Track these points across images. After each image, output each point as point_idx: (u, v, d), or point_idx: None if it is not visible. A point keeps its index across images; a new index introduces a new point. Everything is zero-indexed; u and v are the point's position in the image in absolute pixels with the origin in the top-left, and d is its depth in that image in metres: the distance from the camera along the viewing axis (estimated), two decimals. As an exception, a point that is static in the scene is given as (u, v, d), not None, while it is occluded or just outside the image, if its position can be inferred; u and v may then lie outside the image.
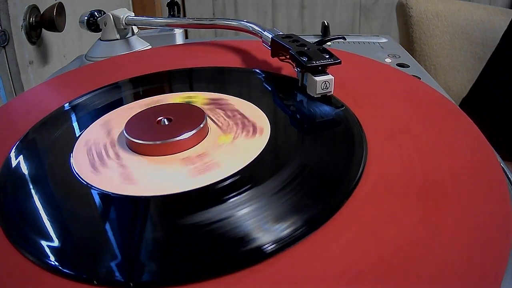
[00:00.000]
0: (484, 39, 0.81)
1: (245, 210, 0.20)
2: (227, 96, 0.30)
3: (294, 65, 0.30)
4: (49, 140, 0.27)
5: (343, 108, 0.27)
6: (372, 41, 0.54)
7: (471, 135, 0.24)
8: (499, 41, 0.61)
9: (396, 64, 0.44)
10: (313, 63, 0.28)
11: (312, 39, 0.43)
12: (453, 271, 0.16)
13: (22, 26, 0.58)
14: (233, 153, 0.24)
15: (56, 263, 0.18)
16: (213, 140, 0.25)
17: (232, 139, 0.25)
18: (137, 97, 0.32)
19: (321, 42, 0.40)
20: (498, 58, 0.61)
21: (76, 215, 0.21)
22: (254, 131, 0.26)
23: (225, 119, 0.27)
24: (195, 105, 0.28)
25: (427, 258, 0.17)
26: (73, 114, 0.31)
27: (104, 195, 0.22)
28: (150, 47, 0.48)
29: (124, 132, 0.25)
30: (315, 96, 0.28)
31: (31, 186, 0.23)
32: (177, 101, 0.30)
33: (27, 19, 0.59)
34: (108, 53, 0.45)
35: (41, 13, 0.61)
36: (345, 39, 0.48)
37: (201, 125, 0.25)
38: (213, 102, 0.29)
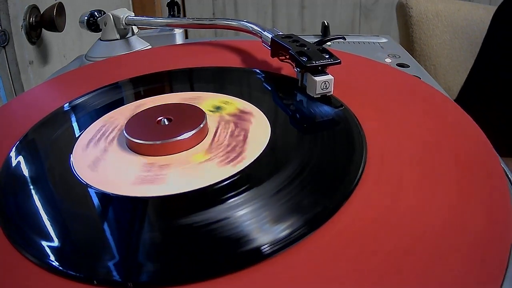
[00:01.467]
0: (484, 39, 0.80)
1: (244, 211, 0.20)
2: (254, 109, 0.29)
3: (294, 65, 0.30)
4: (49, 140, 0.27)
5: (342, 108, 0.27)
6: (372, 41, 0.54)
7: (472, 134, 0.24)
8: (484, 37, 0.61)
9: (396, 64, 0.44)
10: (313, 63, 0.28)
11: (312, 39, 0.43)
12: (452, 271, 0.16)
13: (22, 26, 0.58)
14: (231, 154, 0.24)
15: (56, 263, 0.18)
16: (209, 142, 0.25)
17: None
18: (137, 97, 0.32)
19: (321, 42, 0.40)
20: (484, 54, 0.61)
21: (76, 215, 0.21)
22: (253, 130, 0.26)
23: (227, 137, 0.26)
24: (195, 105, 0.28)
25: (426, 259, 0.17)
26: (73, 114, 0.31)
27: (103, 195, 0.22)
28: (150, 47, 0.48)
29: (124, 132, 0.25)
30: (315, 96, 0.28)
31: (31, 186, 0.23)
32: (210, 104, 0.29)
33: (27, 19, 0.59)
34: (108, 53, 0.45)
35: (41, 13, 0.61)
36: (345, 39, 0.48)
37: (201, 125, 0.25)
38: (238, 115, 0.28)
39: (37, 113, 0.31)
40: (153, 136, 0.24)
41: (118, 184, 0.22)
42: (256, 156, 0.23)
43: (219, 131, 0.26)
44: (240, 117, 0.27)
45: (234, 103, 0.29)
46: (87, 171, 0.23)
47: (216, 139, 0.25)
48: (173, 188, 0.21)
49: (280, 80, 0.33)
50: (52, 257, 0.18)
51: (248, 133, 0.25)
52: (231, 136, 0.25)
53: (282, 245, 0.18)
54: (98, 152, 0.25)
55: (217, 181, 0.22)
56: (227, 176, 0.22)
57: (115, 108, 0.30)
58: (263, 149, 0.24)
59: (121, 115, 0.29)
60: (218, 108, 0.28)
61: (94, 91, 0.33)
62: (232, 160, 0.23)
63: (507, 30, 0.55)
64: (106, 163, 0.24)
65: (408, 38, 0.83)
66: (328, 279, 0.16)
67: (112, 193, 0.22)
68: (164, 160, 0.24)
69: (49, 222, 0.20)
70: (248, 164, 0.23)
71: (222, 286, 0.16)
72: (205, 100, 0.30)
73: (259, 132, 0.25)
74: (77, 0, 0.72)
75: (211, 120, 0.27)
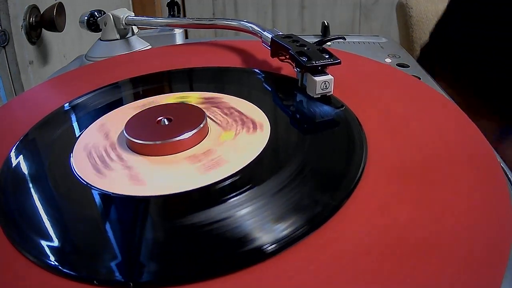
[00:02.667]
0: (484, 39, 0.80)
1: (245, 210, 0.20)
2: (222, 95, 0.30)
3: (294, 65, 0.30)
4: (49, 140, 0.27)
5: (343, 108, 0.27)
6: (372, 41, 0.54)
7: (472, 135, 0.24)
8: (442, 15, 0.62)
9: (396, 64, 0.44)
10: (313, 63, 0.28)
11: (312, 39, 0.43)
12: (453, 271, 0.16)
13: (22, 26, 0.58)
14: (234, 153, 0.24)
15: (56, 263, 0.18)
16: (214, 138, 0.25)
17: (234, 136, 0.25)
18: (137, 97, 0.32)
19: (321, 42, 0.40)
20: (440, 31, 0.62)
21: (76, 215, 0.21)
22: (254, 128, 0.26)
23: (223, 117, 0.27)
24: (195, 104, 0.28)
25: (426, 259, 0.17)
26: (73, 114, 0.31)
27: (103, 195, 0.22)
28: (150, 47, 0.48)
29: (124, 132, 0.25)
30: (315, 96, 0.28)
31: (31, 186, 0.23)
32: (171, 101, 0.30)
33: (27, 19, 0.59)
34: (108, 53, 0.45)
35: (41, 13, 0.61)
36: (345, 39, 0.48)
37: (201, 125, 0.25)
38: (208, 101, 0.29)
39: (37, 113, 0.31)
40: (153, 136, 0.24)
41: (117, 184, 0.22)
42: (256, 156, 0.23)
43: (210, 116, 0.27)
44: (211, 102, 0.28)
45: (194, 96, 0.29)
46: (87, 171, 0.23)
47: (218, 122, 0.26)
48: (172, 188, 0.21)
49: (280, 80, 0.33)
50: (52, 257, 0.18)
51: (236, 107, 0.26)
52: (225, 115, 0.26)
53: (283, 245, 0.18)
54: (98, 151, 0.25)
55: (217, 180, 0.22)
56: (227, 176, 0.22)
57: (115, 108, 0.30)
58: (263, 149, 0.24)
59: (123, 114, 0.29)
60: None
61: (94, 91, 0.33)
62: (254, 130, 0.23)
63: (466, 10, 0.56)
64: (106, 162, 0.24)
65: (408, 38, 0.83)
66: (329, 279, 0.16)
67: (112, 193, 0.22)
68: (164, 160, 0.24)
69: (49, 222, 0.20)
70: (248, 164, 0.23)
71: (223, 286, 0.17)
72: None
73: (256, 143, 0.25)
74: (77, 0, 0.72)
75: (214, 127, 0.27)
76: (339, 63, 0.28)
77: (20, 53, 0.58)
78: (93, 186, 0.22)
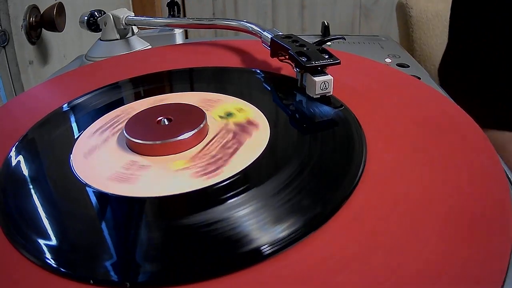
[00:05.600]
0: (484, 39, 0.80)
1: (244, 211, 0.20)
2: (221, 95, 0.30)
3: (294, 65, 0.30)
4: (49, 140, 0.27)
5: (342, 108, 0.27)
6: (372, 41, 0.54)
7: (472, 135, 0.24)
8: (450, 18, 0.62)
9: (396, 64, 0.44)
10: (312, 63, 0.28)
11: (312, 39, 0.43)
12: (453, 271, 0.16)
13: (22, 26, 0.58)
14: (234, 153, 0.24)
15: (55, 263, 0.18)
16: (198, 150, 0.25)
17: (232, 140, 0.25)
18: (137, 97, 0.32)
19: (321, 42, 0.40)
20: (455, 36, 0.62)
21: (75, 215, 0.21)
22: (253, 131, 0.26)
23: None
24: (195, 105, 0.28)
25: (426, 259, 0.17)
26: (73, 114, 0.31)
27: (102, 195, 0.22)
28: (150, 47, 0.48)
29: (124, 132, 0.25)
30: (315, 97, 0.28)
31: (30, 186, 0.23)
32: (223, 109, 0.29)
33: (27, 19, 0.59)
34: (108, 53, 0.45)
35: (41, 13, 0.61)
36: (345, 39, 0.48)
37: (201, 125, 0.25)
38: (242, 126, 0.27)
39: (37, 113, 0.31)
40: (153, 136, 0.24)
41: (117, 184, 0.22)
42: (256, 157, 0.23)
43: (214, 139, 0.25)
44: (243, 128, 0.26)
45: (247, 112, 0.28)
46: (86, 171, 0.23)
47: (207, 147, 0.25)
48: (171, 189, 0.21)
49: (279, 80, 0.33)
50: (50, 256, 0.18)
51: (241, 147, 0.24)
52: (222, 147, 0.24)
53: (282, 245, 0.18)
54: (97, 151, 0.25)
55: (216, 182, 0.22)
56: (226, 177, 0.22)
57: (115, 108, 0.30)
58: (262, 149, 0.24)
59: (121, 115, 0.29)
60: (229, 115, 0.27)
61: (94, 91, 0.33)
62: (207, 173, 0.22)
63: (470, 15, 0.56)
64: (103, 158, 0.24)
65: (408, 38, 0.83)
66: (328, 280, 0.16)
67: (111, 193, 0.22)
68: (164, 160, 0.24)
69: (48, 222, 0.20)
70: (248, 165, 0.23)
71: (222, 286, 0.16)
72: (221, 104, 0.29)
73: (255, 143, 0.25)
74: (77, 0, 0.72)
75: (214, 127, 0.26)
76: (339, 63, 0.28)
77: (20, 53, 0.58)
78: (92, 186, 0.22)
